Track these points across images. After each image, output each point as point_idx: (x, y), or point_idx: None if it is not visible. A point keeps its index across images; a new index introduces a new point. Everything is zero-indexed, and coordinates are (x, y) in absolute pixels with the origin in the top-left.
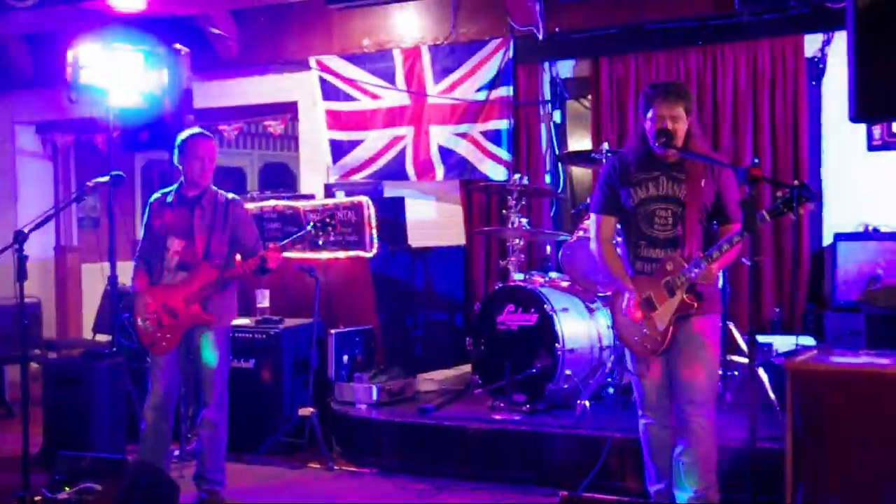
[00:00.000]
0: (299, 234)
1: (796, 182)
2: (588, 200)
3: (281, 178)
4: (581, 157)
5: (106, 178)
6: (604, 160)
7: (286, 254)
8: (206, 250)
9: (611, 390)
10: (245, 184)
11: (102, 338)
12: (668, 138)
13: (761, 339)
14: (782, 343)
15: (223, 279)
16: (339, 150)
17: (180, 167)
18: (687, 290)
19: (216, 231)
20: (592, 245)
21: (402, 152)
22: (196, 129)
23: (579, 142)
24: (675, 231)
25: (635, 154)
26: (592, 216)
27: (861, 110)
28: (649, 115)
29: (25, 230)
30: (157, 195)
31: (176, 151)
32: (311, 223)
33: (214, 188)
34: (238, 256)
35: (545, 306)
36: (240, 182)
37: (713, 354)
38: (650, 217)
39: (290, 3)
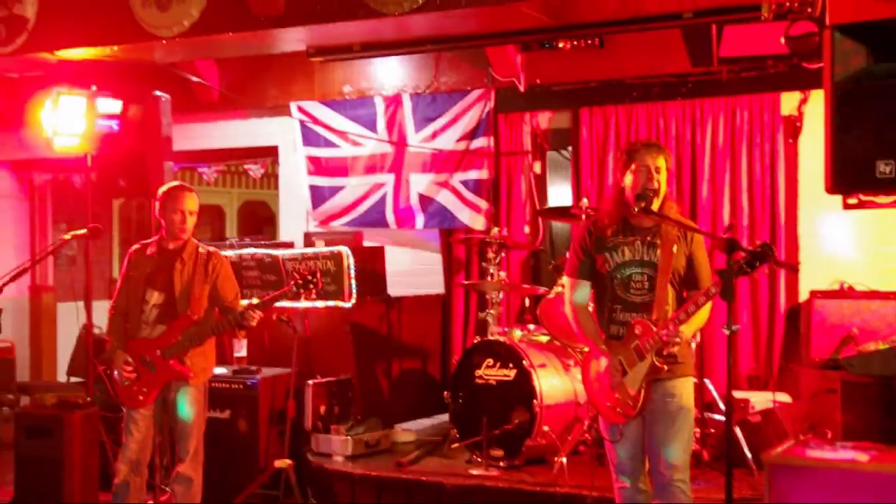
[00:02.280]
0: (281, 291)
1: (758, 242)
2: (567, 255)
3: (260, 217)
4: (560, 213)
5: (83, 231)
6: (583, 216)
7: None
8: (186, 304)
9: (587, 446)
10: (224, 221)
11: (77, 379)
12: (647, 203)
13: (737, 395)
14: (759, 399)
15: (198, 329)
16: (319, 195)
17: (161, 219)
18: (657, 354)
19: (196, 285)
20: (567, 308)
21: (383, 199)
22: (177, 182)
23: (559, 189)
24: (651, 296)
25: (611, 218)
26: (567, 279)
27: (837, 182)
28: (633, 167)
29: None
30: (136, 246)
31: (157, 204)
32: (294, 282)
33: (195, 241)
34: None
35: (523, 362)
36: (219, 220)
37: (689, 418)
38: (626, 282)
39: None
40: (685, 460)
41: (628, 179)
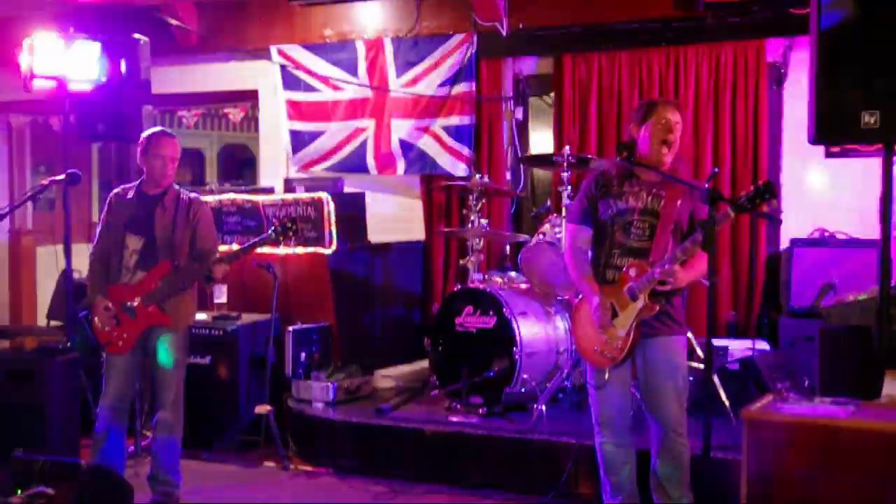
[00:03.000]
0: (260, 238)
1: (760, 182)
2: (548, 202)
3: (241, 160)
4: (542, 160)
5: (62, 177)
6: (565, 164)
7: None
8: (167, 250)
9: (566, 394)
10: (203, 165)
11: (57, 323)
12: (629, 152)
13: (717, 342)
14: (738, 347)
15: (178, 276)
16: (299, 140)
17: (142, 165)
18: (649, 296)
19: (177, 230)
20: (566, 252)
21: (364, 145)
22: (159, 128)
23: (541, 135)
24: (651, 243)
25: (618, 168)
26: (569, 225)
27: (820, 133)
28: (652, 119)
29: None
30: (117, 190)
31: (138, 149)
32: (273, 227)
33: (177, 186)
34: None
35: (504, 309)
36: (199, 164)
37: (683, 375)
38: (628, 227)
39: None
40: (681, 416)
41: (646, 132)
